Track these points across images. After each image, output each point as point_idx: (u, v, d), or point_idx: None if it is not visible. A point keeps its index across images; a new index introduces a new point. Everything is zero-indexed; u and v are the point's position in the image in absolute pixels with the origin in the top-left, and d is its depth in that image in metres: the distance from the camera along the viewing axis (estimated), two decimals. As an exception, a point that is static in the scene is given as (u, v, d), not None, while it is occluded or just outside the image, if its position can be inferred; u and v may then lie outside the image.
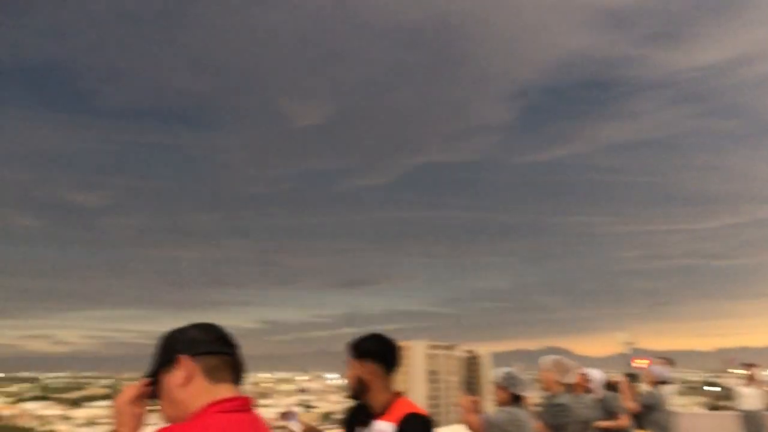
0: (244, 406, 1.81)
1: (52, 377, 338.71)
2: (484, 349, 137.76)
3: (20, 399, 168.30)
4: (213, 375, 1.83)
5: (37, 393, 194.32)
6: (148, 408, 1.90)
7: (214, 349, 1.86)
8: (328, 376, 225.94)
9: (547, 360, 5.56)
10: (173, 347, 1.88)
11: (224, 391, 1.81)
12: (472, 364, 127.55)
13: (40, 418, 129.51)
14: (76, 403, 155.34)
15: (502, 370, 4.89)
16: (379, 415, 2.98)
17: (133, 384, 1.92)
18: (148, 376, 1.90)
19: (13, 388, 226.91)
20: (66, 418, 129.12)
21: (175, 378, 1.82)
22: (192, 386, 1.80)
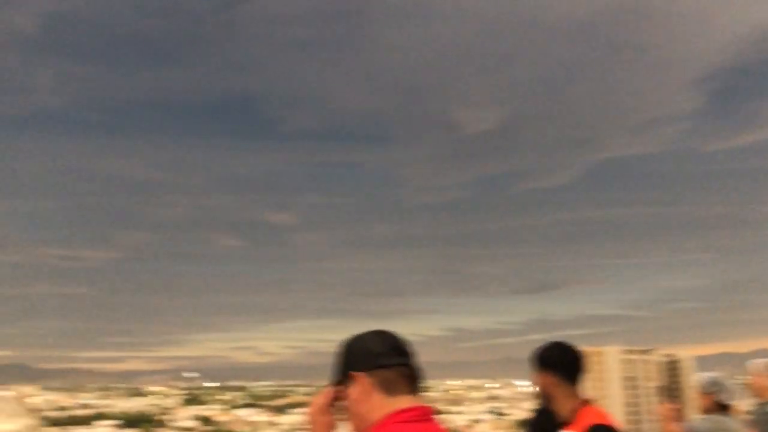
0: (423, 415, 1.79)
1: (259, 386, 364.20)
2: (686, 353, 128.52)
3: (233, 406, 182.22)
4: (389, 388, 1.82)
5: (247, 401, 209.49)
6: (339, 416, 1.94)
7: (388, 362, 1.85)
8: (518, 383, 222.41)
9: (758, 363, 5.13)
10: (348, 362, 1.91)
11: (402, 402, 1.80)
12: (672, 369, 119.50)
13: (251, 424, 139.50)
14: (281, 410, 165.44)
15: (706, 375, 4.62)
16: (565, 424, 2.95)
17: (322, 392, 1.96)
18: (334, 385, 1.95)
19: (226, 396, 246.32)
20: (273, 424, 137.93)
21: (351, 393, 1.86)
22: (369, 400, 1.82)
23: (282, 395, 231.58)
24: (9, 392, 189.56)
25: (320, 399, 1.95)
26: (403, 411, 1.77)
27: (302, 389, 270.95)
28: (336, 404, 1.93)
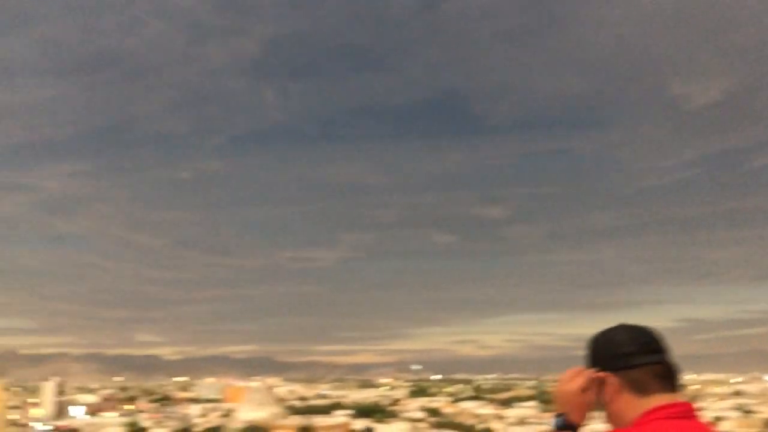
0: (686, 412, 1.74)
1: (482, 379, 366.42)
2: None
3: (457, 399, 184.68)
4: (640, 388, 1.79)
5: (471, 393, 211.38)
6: (594, 401, 1.91)
7: (638, 362, 1.81)
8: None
9: None
10: (596, 361, 1.88)
11: (656, 401, 1.77)
12: None
13: (477, 416, 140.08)
14: (506, 403, 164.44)
15: None
16: None
17: (581, 372, 1.92)
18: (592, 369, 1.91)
19: (450, 388, 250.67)
20: (499, 418, 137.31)
21: (602, 392, 1.86)
22: (620, 400, 1.81)
23: (506, 388, 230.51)
24: (256, 383, 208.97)
25: (577, 379, 1.89)
26: (663, 408, 1.73)
27: (527, 383, 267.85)
28: (593, 390, 1.89)
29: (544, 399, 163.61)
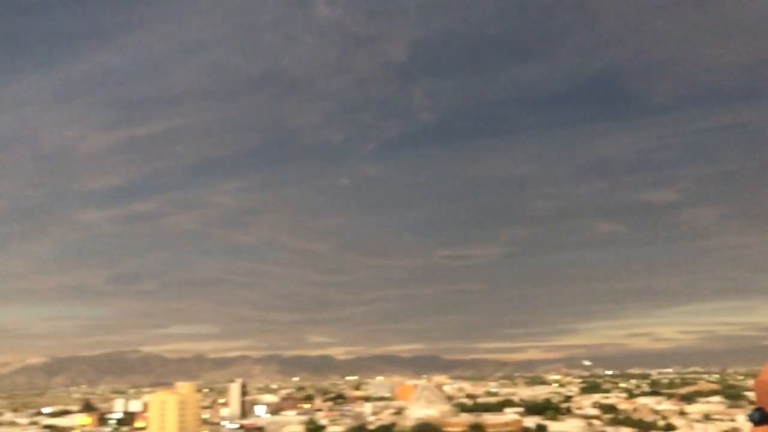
0: None
1: (658, 373, 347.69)
2: None
3: (633, 394, 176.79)
4: None
5: (648, 389, 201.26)
6: None
7: None
8: None
9: None
10: None
11: None
12: None
13: (657, 413, 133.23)
14: (687, 398, 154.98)
15: None
16: None
17: None
18: None
19: (625, 384, 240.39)
20: (681, 414, 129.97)
21: None
22: None
23: (686, 383, 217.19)
24: (424, 381, 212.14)
25: None
26: None
27: (709, 377, 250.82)
28: None
29: (730, 394, 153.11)
